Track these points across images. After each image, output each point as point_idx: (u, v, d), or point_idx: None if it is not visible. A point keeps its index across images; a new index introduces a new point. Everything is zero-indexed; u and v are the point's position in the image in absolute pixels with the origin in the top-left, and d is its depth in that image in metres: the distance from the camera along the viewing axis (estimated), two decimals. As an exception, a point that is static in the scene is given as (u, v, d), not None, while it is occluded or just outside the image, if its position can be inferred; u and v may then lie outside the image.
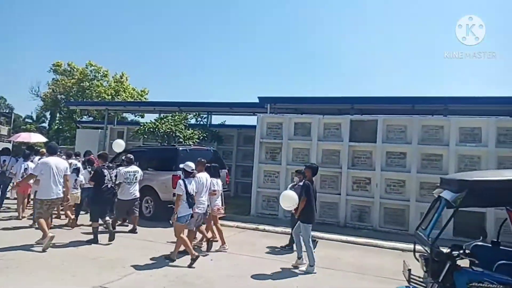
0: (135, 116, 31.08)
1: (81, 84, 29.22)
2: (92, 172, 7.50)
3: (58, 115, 33.61)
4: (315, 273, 5.48)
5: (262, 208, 10.25)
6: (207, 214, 6.59)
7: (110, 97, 28.69)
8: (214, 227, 6.82)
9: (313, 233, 8.16)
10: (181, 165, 6.16)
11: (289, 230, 7.74)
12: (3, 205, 9.55)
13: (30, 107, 66.11)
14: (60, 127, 34.54)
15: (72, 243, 6.53)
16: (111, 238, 6.73)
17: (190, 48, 69.91)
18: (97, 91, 29.02)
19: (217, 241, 6.77)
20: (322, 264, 5.90)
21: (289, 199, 5.72)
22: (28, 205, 9.35)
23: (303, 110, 12.27)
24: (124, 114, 28.92)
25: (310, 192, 5.76)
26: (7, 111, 44.33)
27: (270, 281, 5.14)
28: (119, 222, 8.26)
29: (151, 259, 5.78)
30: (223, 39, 70.24)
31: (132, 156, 8.62)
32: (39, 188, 6.55)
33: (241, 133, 15.49)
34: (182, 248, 5.76)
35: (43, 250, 5.91)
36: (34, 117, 45.29)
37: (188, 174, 5.94)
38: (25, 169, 8.75)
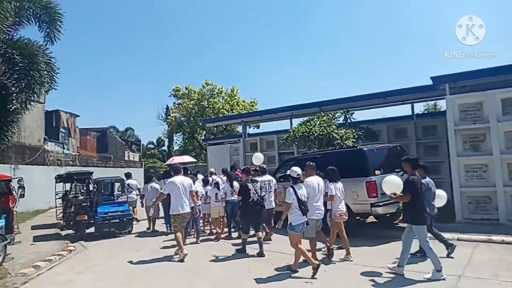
0: (250, 127, 31.36)
1: (201, 103, 30.70)
2: (239, 186, 7.72)
3: (182, 136, 35.91)
4: (444, 279, 4.74)
5: (470, 212, 8.15)
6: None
7: (227, 112, 29.48)
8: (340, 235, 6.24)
9: None
10: (287, 172, 5.99)
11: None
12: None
13: (151, 134, 74.09)
14: (184, 147, 36.99)
15: (232, 257, 6.85)
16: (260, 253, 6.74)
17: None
18: (215, 108, 30.09)
19: (337, 248, 6.37)
20: None
21: (389, 184, 5.16)
22: None
23: (477, 87, 9.73)
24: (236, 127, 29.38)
25: (416, 188, 4.98)
26: (136, 140, 49.55)
27: None
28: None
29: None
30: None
31: (265, 166, 8.71)
32: (171, 205, 7.02)
33: (390, 127, 13.80)
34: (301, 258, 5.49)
35: (180, 261, 6.55)
36: (155, 143, 49.90)
37: (296, 180, 5.66)
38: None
